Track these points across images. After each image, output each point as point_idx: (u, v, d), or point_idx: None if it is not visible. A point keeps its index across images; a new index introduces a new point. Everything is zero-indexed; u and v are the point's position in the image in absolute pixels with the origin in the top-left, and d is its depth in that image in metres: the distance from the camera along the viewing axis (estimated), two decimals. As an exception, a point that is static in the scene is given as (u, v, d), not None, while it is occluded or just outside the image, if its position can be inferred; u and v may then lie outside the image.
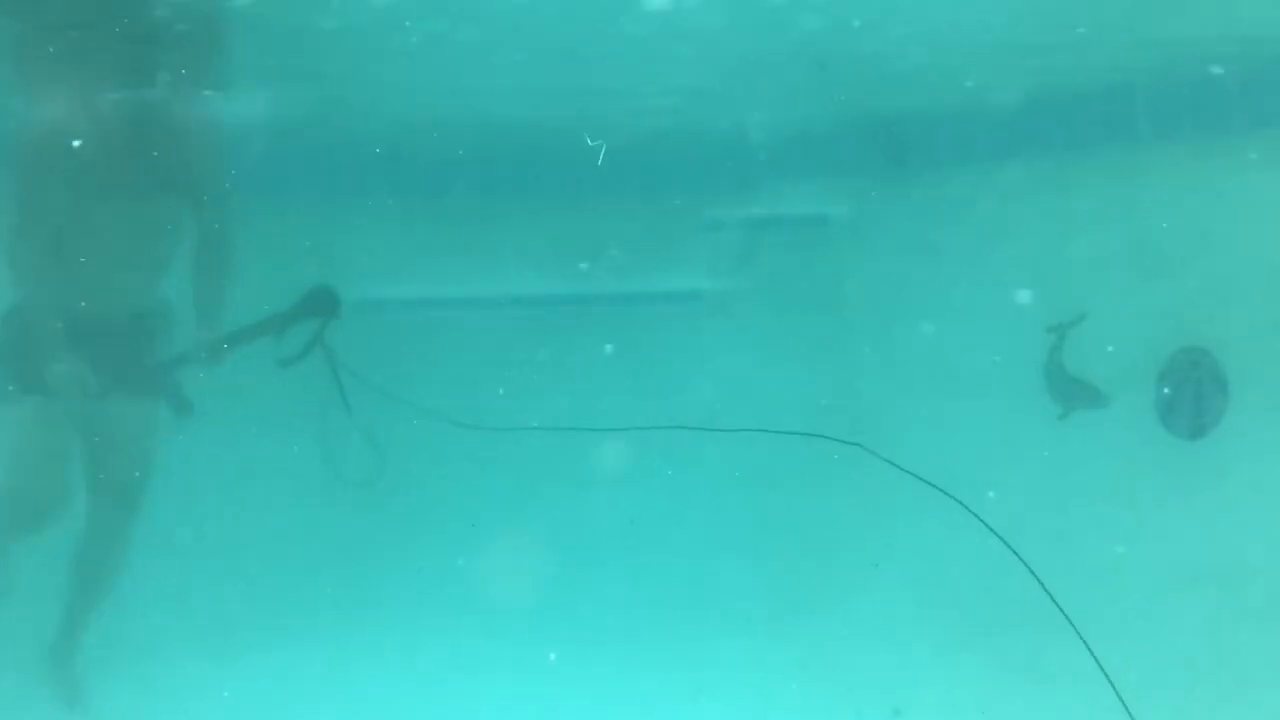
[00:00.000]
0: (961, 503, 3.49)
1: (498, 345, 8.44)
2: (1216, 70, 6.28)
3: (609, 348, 8.28)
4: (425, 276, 8.47)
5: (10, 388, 4.77)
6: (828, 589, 7.49)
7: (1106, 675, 2.95)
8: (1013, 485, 6.95)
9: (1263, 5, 5.62)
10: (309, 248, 7.74)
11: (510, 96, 7.06)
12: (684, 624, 7.47)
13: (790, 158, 8.04)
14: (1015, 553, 3.33)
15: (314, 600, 7.60)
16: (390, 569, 7.91)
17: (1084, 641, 3.08)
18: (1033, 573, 3.29)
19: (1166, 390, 6.57)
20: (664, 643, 7.22)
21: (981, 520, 3.45)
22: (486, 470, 7.95)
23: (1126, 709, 2.91)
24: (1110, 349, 6.73)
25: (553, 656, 6.24)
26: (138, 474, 5.08)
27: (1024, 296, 7.13)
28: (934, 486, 3.63)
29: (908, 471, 3.70)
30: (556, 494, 8.37)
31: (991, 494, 6.20)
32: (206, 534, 7.79)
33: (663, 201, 8.44)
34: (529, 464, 8.24)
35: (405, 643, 7.29)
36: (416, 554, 7.90)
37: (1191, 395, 6.52)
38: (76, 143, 4.31)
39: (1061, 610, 3.21)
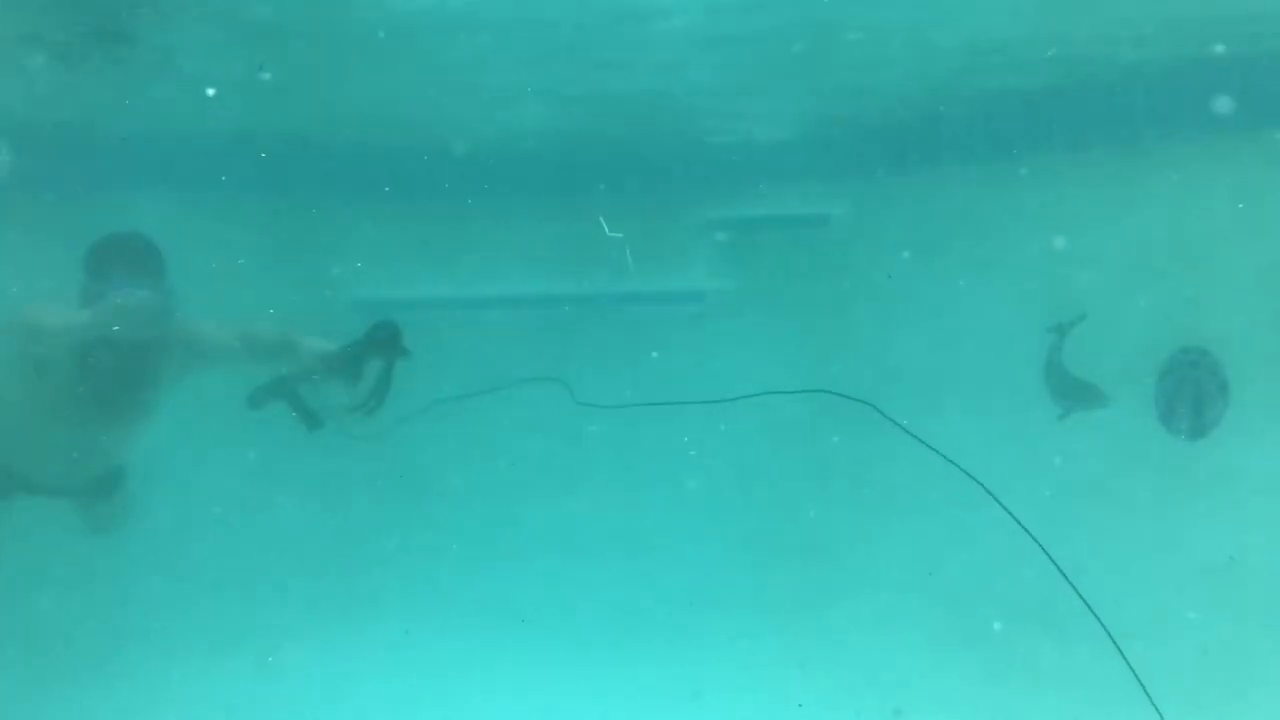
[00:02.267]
0: (987, 488, 3.47)
1: (498, 345, 8.44)
2: (1217, 70, 6.29)
3: (609, 347, 8.29)
4: (425, 277, 8.47)
5: None
6: (828, 589, 7.50)
7: (1136, 674, 2.94)
8: (1013, 485, 6.94)
9: (1263, 6, 5.62)
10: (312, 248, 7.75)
11: (512, 98, 7.06)
12: (684, 624, 7.47)
13: (790, 158, 8.04)
14: (1042, 546, 3.32)
15: (314, 601, 7.61)
16: (390, 570, 7.92)
17: (1113, 640, 3.07)
18: (1058, 566, 3.27)
19: (1164, 393, 6.60)
20: (664, 642, 7.22)
21: (1007, 509, 3.44)
22: (486, 470, 7.96)
23: (1156, 709, 2.90)
24: (1110, 349, 6.74)
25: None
26: None
27: (1024, 296, 7.14)
28: (958, 466, 3.61)
29: (923, 441, 3.69)
30: (556, 495, 8.38)
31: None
32: (206, 535, 7.80)
33: (663, 201, 8.44)
34: (529, 464, 8.25)
35: (406, 643, 7.30)
36: (416, 555, 7.91)
37: (1191, 395, 6.52)
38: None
39: (1094, 612, 3.21)
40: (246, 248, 8.01)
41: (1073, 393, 6.83)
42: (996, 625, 6.60)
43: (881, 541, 7.52)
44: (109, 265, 4.26)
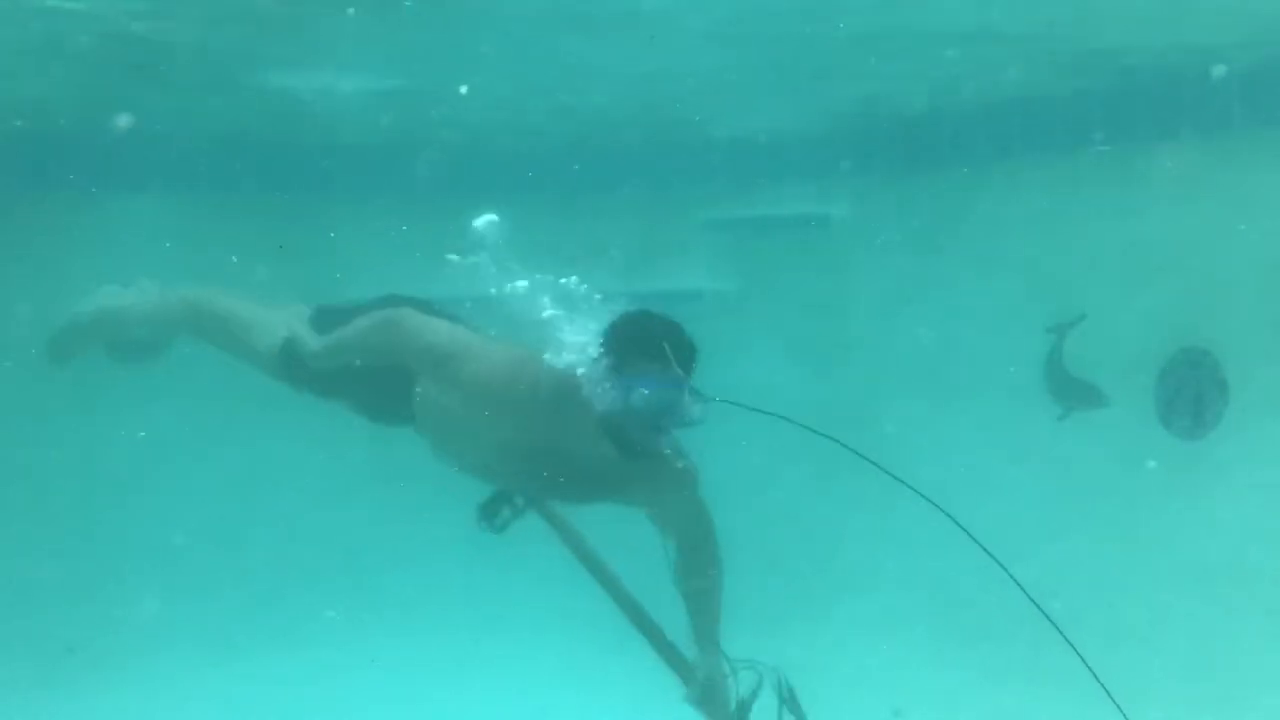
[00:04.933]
0: (927, 496, 3.44)
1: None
2: (1217, 70, 6.29)
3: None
4: (425, 277, 8.45)
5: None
6: (827, 589, 7.49)
7: (1095, 674, 2.93)
8: (1012, 485, 6.95)
9: (1263, 6, 5.62)
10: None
11: (512, 96, 7.07)
12: (684, 623, 7.45)
13: (790, 158, 8.04)
14: (989, 551, 3.29)
15: (314, 601, 7.60)
16: (389, 569, 7.91)
17: (1071, 643, 3.06)
18: (1007, 571, 3.25)
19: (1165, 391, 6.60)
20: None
21: (950, 514, 3.42)
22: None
23: (1120, 710, 2.88)
24: (1110, 349, 6.74)
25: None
26: None
27: (1024, 296, 7.13)
28: (902, 480, 3.58)
29: (885, 470, 3.66)
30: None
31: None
32: (208, 535, 7.79)
33: (663, 201, 8.43)
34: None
35: (405, 642, 7.29)
36: (415, 554, 7.90)
37: (1191, 395, 6.52)
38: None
39: (1043, 611, 3.19)
40: (245, 247, 8.00)
41: (1073, 393, 6.83)
42: (996, 626, 6.59)
43: (881, 540, 7.51)
44: (642, 353, 3.56)
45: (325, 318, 4.41)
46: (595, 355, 3.63)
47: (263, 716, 6.53)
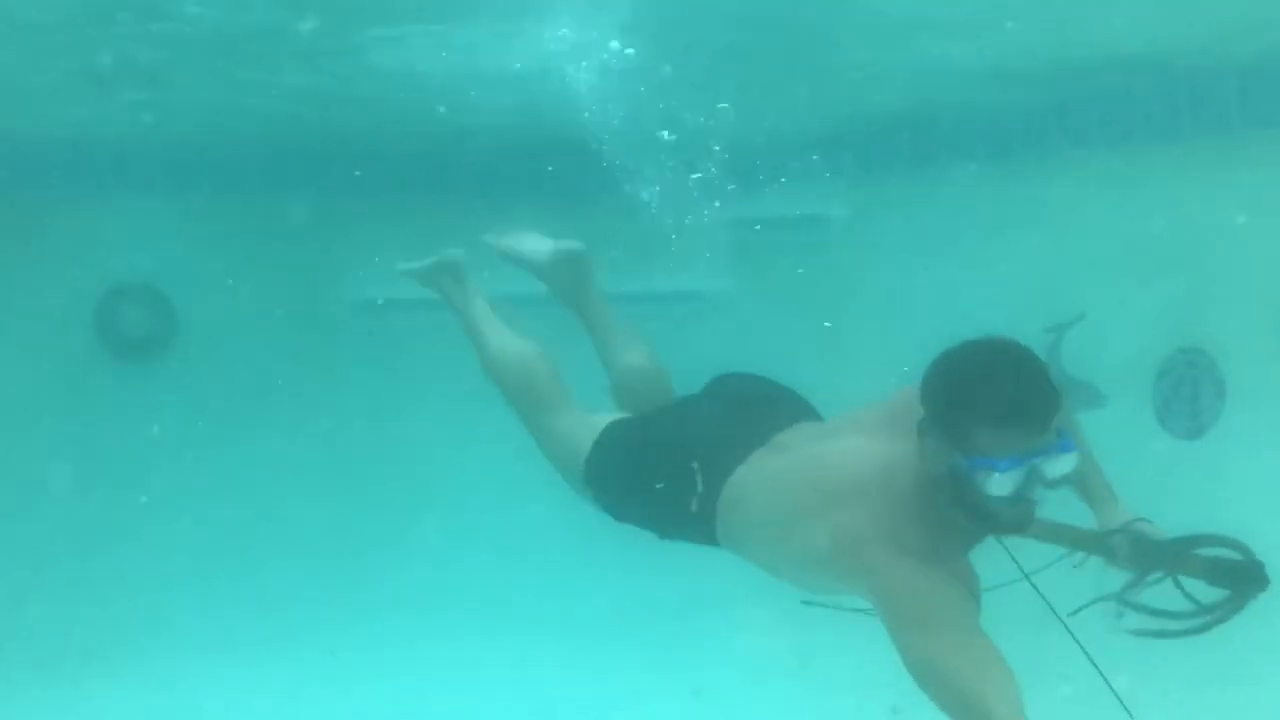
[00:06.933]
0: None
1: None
2: (1217, 70, 6.30)
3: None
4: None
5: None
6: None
7: (1102, 674, 2.94)
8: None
9: (1263, 7, 5.64)
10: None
11: (510, 98, 7.08)
12: (684, 623, 7.47)
13: (790, 158, 8.04)
14: (1014, 558, 3.27)
15: (315, 600, 7.62)
16: (390, 568, 7.93)
17: (1080, 644, 3.05)
18: (1022, 570, 3.23)
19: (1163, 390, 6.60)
20: (664, 642, 7.22)
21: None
22: (483, 466, 7.94)
23: (1125, 707, 2.88)
24: (1108, 349, 6.74)
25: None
26: None
27: (1023, 296, 7.14)
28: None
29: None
30: (555, 491, 8.37)
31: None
32: (209, 534, 7.81)
33: (663, 201, 8.43)
34: (528, 461, 8.24)
35: (405, 642, 7.30)
36: (416, 553, 7.92)
37: (1188, 395, 6.53)
38: None
39: (1055, 610, 3.19)
40: (247, 248, 8.03)
41: (1070, 392, 6.83)
42: (995, 624, 6.60)
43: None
44: (985, 421, 2.38)
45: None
46: (919, 420, 2.51)
47: (263, 715, 6.55)
